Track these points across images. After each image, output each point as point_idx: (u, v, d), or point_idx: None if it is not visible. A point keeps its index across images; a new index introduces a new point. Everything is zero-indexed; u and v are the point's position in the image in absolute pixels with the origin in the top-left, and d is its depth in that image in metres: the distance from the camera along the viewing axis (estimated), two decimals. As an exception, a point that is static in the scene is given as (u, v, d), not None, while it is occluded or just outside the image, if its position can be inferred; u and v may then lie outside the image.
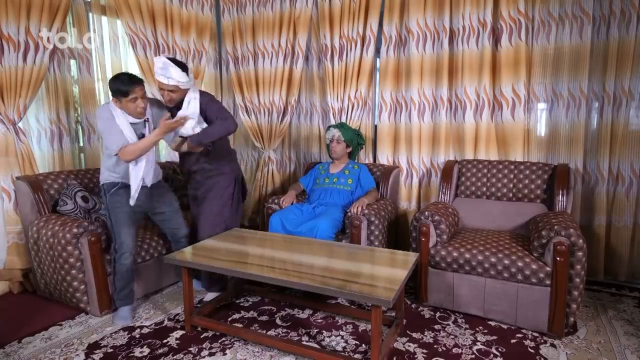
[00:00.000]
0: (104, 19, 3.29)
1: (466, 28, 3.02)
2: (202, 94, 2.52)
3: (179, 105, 2.45)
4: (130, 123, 2.27)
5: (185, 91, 2.42)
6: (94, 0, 3.18)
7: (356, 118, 3.51)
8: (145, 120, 2.34)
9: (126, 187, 2.33)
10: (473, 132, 3.11)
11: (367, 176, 3.08)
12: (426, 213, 2.46)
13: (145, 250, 2.65)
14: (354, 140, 3.19)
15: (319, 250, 2.30)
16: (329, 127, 3.22)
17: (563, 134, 2.94)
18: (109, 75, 3.35)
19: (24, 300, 2.68)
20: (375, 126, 3.59)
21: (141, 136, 2.30)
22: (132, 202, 2.29)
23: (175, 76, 2.30)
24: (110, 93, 2.24)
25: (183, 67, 2.35)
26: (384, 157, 3.51)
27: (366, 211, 2.68)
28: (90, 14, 3.19)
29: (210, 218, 2.63)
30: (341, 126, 3.15)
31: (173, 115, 2.44)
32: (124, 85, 2.17)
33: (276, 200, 3.09)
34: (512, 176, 2.81)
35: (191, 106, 2.42)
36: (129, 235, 2.35)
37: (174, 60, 2.33)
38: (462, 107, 3.13)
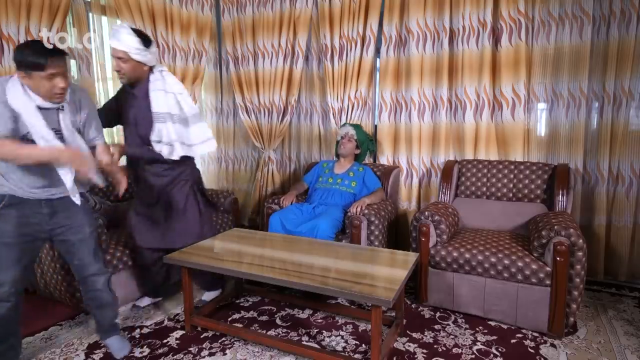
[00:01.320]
0: (104, 19, 3.29)
1: (466, 28, 3.02)
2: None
3: (134, 85, 2.14)
4: (39, 107, 1.62)
5: (139, 66, 2.06)
6: (94, 0, 3.18)
7: (356, 118, 3.51)
8: (59, 109, 1.68)
9: (21, 203, 1.70)
10: (473, 132, 3.11)
11: (372, 177, 3.08)
12: (426, 213, 2.46)
13: (145, 250, 2.65)
14: (365, 143, 3.19)
15: (319, 250, 2.30)
16: (344, 124, 3.23)
17: (563, 134, 2.94)
18: (109, 75, 3.36)
19: (24, 300, 2.67)
20: (375, 126, 3.59)
21: (53, 131, 1.65)
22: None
23: (125, 40, 1.97)
24: (15, 64, 1.59)
25: (143, 38, 2.03)
26: (384, 157, 3.51)
27: (366, 211, 2.68)
28: (90, 14, 3.19)
29: (186, 233, 2.37)
30: (356, 127, 3.16)
31: (118, 100, 2.20)
32: (37, 56, 1.55)
33: (276, 200, 3.09)
34: (512, 176, 2.81)
35: (159, 99, 2.08)
36: (8, 279, 1.69)
37: (135, 30, 2.04)
38: (462, 107, 3.13)
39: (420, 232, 2.44)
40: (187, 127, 2.15)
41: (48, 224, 1.79)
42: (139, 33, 2.03)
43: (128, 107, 2.20)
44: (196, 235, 2.40)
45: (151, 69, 2.13)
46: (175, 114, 2.11)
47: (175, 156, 2.13)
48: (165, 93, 2.10)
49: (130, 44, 1.98)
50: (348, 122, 3.44)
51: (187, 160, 2.31)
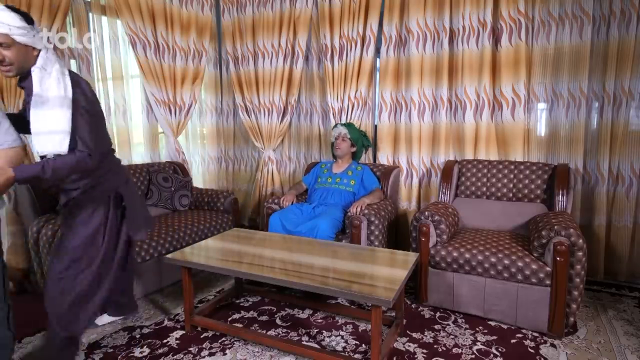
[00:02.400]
0: (104, 19, 3.29)
1: (466, 28, 3.02)
2: (76, 82, 1.65)
3: (24, 77, 1.67)
4: None
5: (26, 51, 1.61)
6: (94, 0, 3.18)
7: (356, 118, 3.51)
8: None
9: None
10: (473, 132, 3.11)
11: (370, 177, 3.08)
12: (426, 213, 2.46)
13: (145, 251, 2.64)
14: (359, 140, 3.19)
15: (319, 250, 2.30)
16: (336, 125, 3.23)
17: (563, 134, 2.94)
18: (109, 75, 3.36)
19: (24, 300, 2.68)
20: (375, 126, 3.59)
21: None
22: None
23: (4, 19, 1.52)
24: None
25: (23, 14, 1.60)
26: (384, 157, 3.51)
27: (366, 211, 2.68)
28: (90, 14, 3.19)
29: (62, 265, 1.75)
30: (348, 125, 3.16)
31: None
32: None
33: (276, 200, 3.09)
34: (512, 176, 2.81)
35: (43, 84, 1.58)
36: None
37: (9, 6, 1.59)
38: (462, 107, 3.13)
39: (420, 232, 2.44)
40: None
41: None
42: (14, 9, 1.59)
43: (26, 108, 1.68)
44: (81, 267, 1.78)
45: (39, 53, 1.66)
46: (55, 96, 1.60)
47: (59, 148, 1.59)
48: (41, 70, 1.62)
49: (11, 23, 1.54)
50: (346, 121, 3.44)
51: (97, 169, 1.78)
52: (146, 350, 2.09)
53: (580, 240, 2.05)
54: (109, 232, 1.85)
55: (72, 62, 3.16)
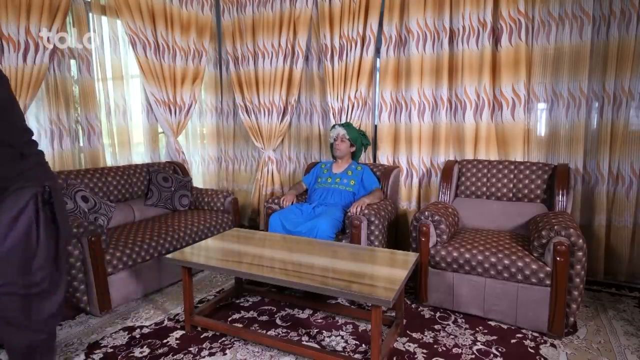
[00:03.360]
0: (104, 19, 3.30)
1: (466, 28, 3.02)
2: None
3: None
4: None
5: None
6: (94, 0, 3.18)
7: (356, 118, 3.51)
8: None
9: None
10: (473, 132, 3.11)
11: (370, 177, 3.08)
12: (426, 213, 2.46)
13: (145, 251, 2.65)
14: (358, 140, 3.19)
15: (319, 250, 2.30)
16: (334, 125, 3.23)
17: (563, 134, 2.94)
18: (109, 75, 3.36)
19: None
20: (375, 126, 3.59)
21: None
22: None
23: None
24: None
25: None
26: (384, 157, 3.51)
27: (366, 211, 2.68)
28: (90, 14, 3.19)
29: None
30: (347, 125, 3.16)
31: None
32: None
33: (276, 200, 3.09)
34: (512, 176, 2.81)
35: None
36: None
37: None
38: (462, 107, 3.13)
39: (420, 232, 2.44)
40: None
41: None
42: None
43: None
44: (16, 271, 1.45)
45: None
46: None
47: None
48: None
49: None
50: (346, 121, 3.44)
51: (19, 161, 1.48)
52: (146, 350, 2.09)
53: (580, 240, 2.05)
54: (44, 231, 1.51)
55: (72, 62, 3.16)
